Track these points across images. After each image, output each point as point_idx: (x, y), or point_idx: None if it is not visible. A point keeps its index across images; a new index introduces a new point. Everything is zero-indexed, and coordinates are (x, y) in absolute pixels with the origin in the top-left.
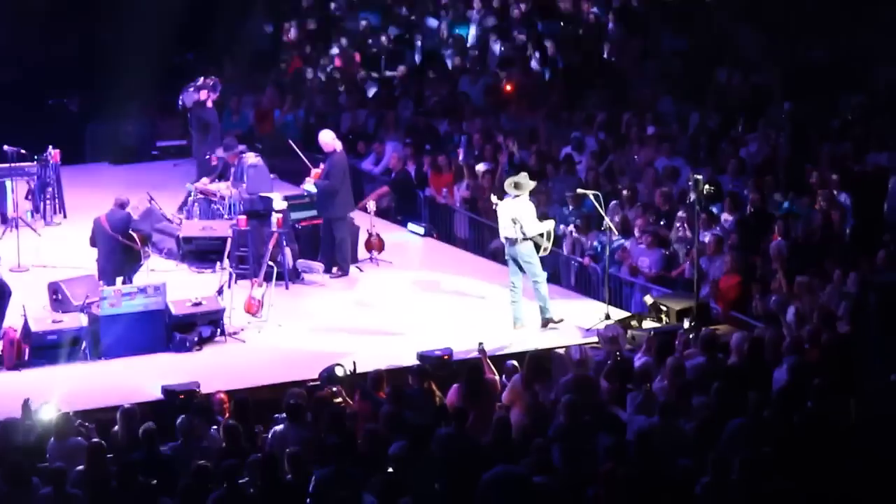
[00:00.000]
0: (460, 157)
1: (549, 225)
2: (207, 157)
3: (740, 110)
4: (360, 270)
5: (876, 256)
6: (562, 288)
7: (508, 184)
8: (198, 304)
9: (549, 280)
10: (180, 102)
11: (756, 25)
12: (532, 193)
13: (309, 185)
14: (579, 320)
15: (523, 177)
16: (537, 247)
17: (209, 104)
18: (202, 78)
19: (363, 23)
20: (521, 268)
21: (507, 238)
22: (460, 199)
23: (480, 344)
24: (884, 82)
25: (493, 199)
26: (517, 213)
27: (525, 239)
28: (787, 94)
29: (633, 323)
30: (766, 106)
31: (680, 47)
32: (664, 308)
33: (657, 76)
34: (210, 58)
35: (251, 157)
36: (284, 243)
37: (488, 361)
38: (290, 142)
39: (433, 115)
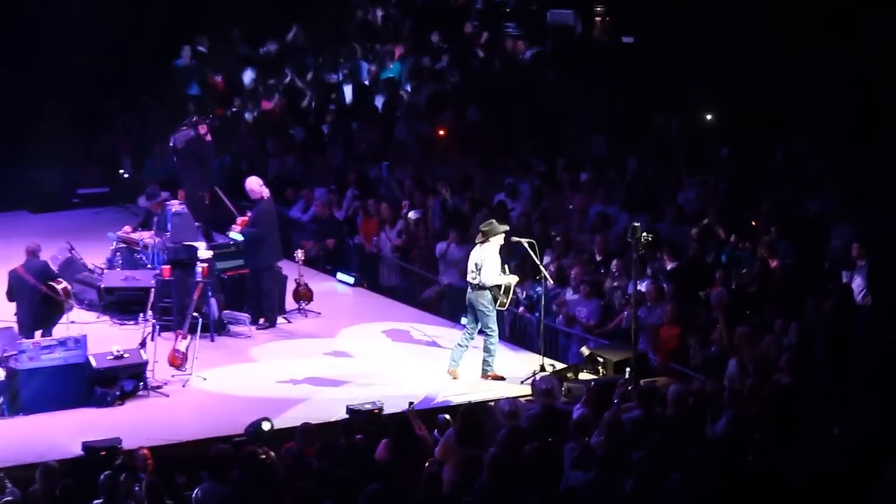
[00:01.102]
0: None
1: (510, 280)
2: (200, 195)
3: (678, 155)
4: (288, 322)
5: (820, 304)
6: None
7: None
8: (120, 357)
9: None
10: (171, 143)
11: (695, 69)
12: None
13: (235, 234)
14: (514, 372)
15: (490, 224)
16: (495, 299)
17: (208, 137)
18: (193, 118)
19: (288, 72)
20: (476, 316)
21: (469, 283)
22: (390, 246)
23: (411, 404)
24: (824, 127)
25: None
26: (480, 259)
27: (483, 288)
28: (724, 139)
29: (570, 375)
30: (704, 151)
31: (617, 89)
32: (601, 359)
33: (593, 119)
34: (132, 102)
35: (175, 205)
36: (210, 294)
37: (418, 421)
38: (217, 189)
39: (363, 160)
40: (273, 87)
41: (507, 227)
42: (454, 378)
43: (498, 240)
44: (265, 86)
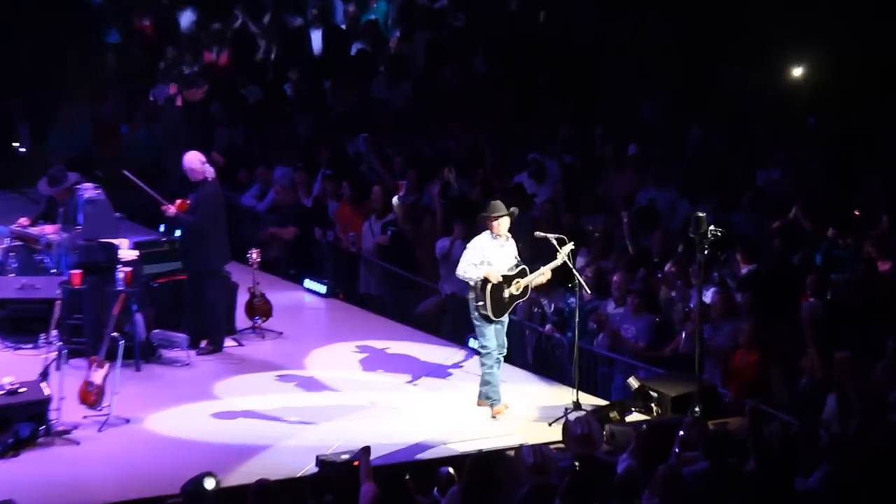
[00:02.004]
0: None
1: (480, 274)
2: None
3: (756, 122)
4: (240, 344)
5: None
6: (515, 367)
7: None
8: (13, 393)
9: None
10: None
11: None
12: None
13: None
14: (539, 410)
15: (490, 205)
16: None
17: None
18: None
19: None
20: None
21: None
22: (374, 245)
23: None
24: None
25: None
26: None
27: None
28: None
29: (613, 415)
30: (792, 117)
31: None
32: (655, 394)
33: (641, 74)
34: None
35: (89, 191)
36: (135, 308)
37: (368, 467)
38: (125, 172)
39: (338, 130)
40: (218, 33)
41: (512, 210)
42: (495, 416)
43: (499, 226)
44: (208, 32)
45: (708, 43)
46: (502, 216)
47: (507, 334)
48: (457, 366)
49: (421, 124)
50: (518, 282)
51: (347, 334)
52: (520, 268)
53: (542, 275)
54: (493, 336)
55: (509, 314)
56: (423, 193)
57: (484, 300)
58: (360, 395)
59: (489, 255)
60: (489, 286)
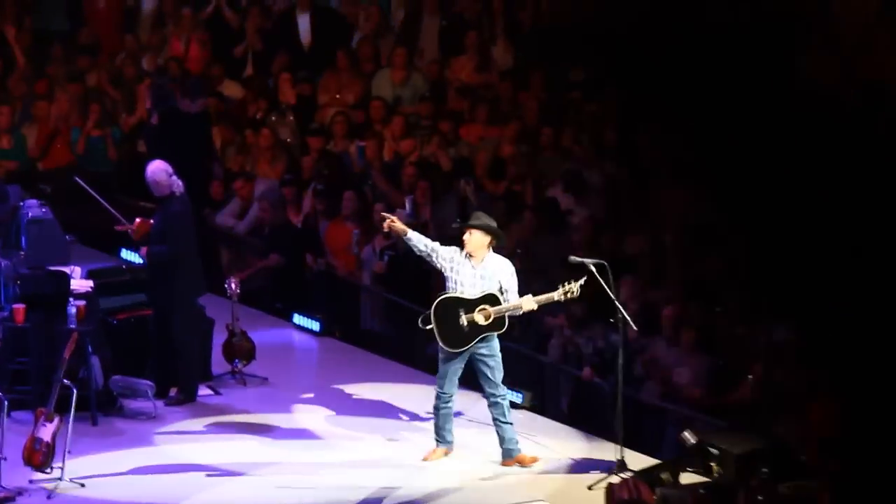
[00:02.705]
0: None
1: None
2: None
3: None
4: (216, 393)
5: None
6: (548, 419)
7: None
8: None
9: (521, 402)
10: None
11: None
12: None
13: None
14: (576, 470)
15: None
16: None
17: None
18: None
19: None
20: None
21: None
22: (371, 274)
23: None
24: None
25: None
26: None
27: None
28: None
29: (665, 476)
30: None
31: None
32: (716, 451)
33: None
34: None
35: (32, 209)
36: (90, 349)
37: None
38: (78, 180)
39: (331, 136)
40: (187, 18)
41: (483, 225)
42: (523, 465)
43: (466, 242)
44: (175, 16)
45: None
46: (468, 228)
47: (539, 379)
48: (475, 417)
49: (433, 127)
50: (485, 308)
51: (345, 380)
52: (485, 294)
53: (522, 305)
54: (448, 376)
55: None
56: (435, 210)
57: (430, 320)
58: (358, 454)
59: (458, 272)
60: (437, 303)
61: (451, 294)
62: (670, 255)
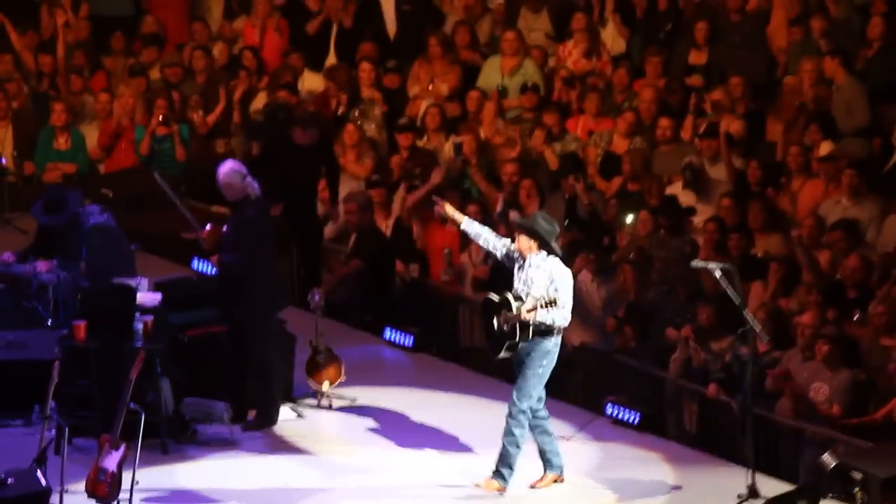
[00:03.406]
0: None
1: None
2: None
3: None
4: (299, 416)
5: None
6: (669, 441)
7: None
8: (1, 485)
9: (636, 422)
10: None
11: None
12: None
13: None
14: (701, 498)
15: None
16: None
17: None
18: None
19: None
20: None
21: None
22: (472, 281)
23: None
24: None
25: None
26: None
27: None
28: None
29: (805, 503)
30: None
31: None
32: (858, 475)
33: None
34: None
35: (94, 215)
36: (159, 370)
37: None
38: (157, 175)
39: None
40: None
41: (526, 226)
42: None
43: (521, 244)
44: (249, 2)
45: None
46: (518, 229)
47: (659, 397)
48: (589, 438)
49: (537, 120)
50: (505, 313)
51: (442, 401)
52: (511, 296)
53: (519, 314)
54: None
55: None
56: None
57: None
58: (460, 478)
59: (516, 273)
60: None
61: (493, 294)
62: (805, 257)
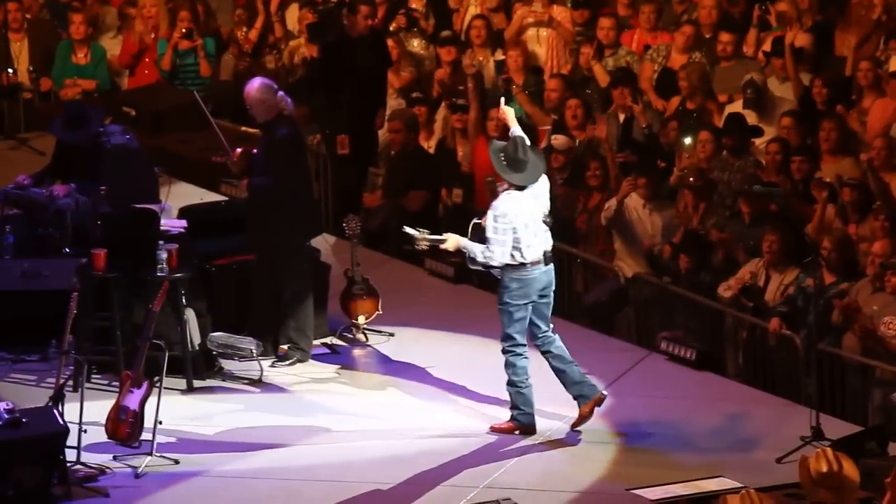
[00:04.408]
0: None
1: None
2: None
3: None
4: (334, 352)
5: None
6: (722, 377)
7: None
8: (14, 425)
9: (693, 359)
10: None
11: None
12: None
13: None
14: (760, 440)
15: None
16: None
17: None
18: None
19: None
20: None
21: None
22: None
23: None
24: None
25: None
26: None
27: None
28: None
29: (870, 446)
30: None
31: None
32: None
33: None
34: None
35: (115, 135)
36: (184, 302)
37: None
38: (196, 94)
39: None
40: None
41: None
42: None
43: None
44: None
45: None
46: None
47: (717, 330)
48: (640, 377)
49: (588, 33)
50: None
51: (487, 335)
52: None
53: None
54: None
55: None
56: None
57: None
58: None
59: None
60: None
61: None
62: (877, 180)
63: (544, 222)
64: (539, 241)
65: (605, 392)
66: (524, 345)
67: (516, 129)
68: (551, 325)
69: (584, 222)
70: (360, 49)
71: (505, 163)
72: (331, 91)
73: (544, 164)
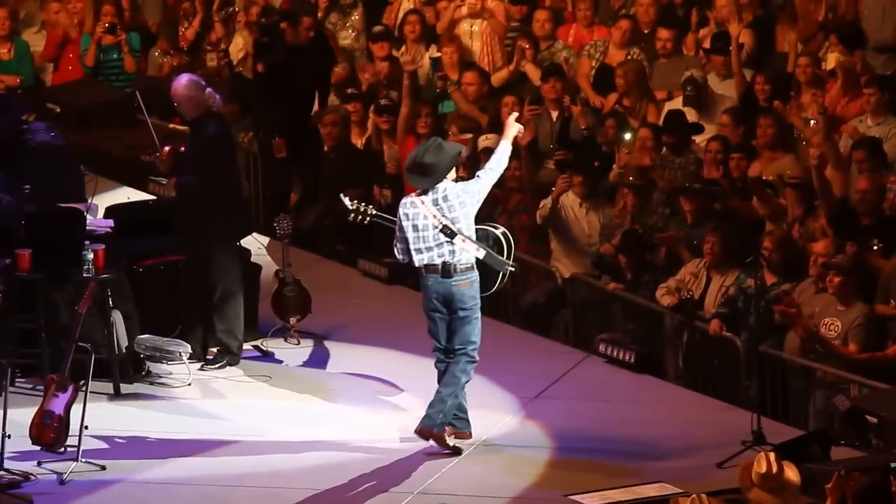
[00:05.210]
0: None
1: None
2: None
3: None
4: (264, 354)
5: None
6: (663, 381)
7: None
8: None
9: (632, 361)
10: None
11: None
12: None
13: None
14: (700, 444)
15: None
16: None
17: None
18: None
19: None
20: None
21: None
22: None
23: None
24: None
25: None
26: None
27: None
28: None
29: (815, 449)
30: None
31: None
32: (874, 420)
33: None
34: None
35: (40, 133)
36: (111, 304)
37: None
38: (137, 95)
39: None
40: None
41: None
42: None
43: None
44: None
45: None
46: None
47: (655, 333)
48: (578, 381)
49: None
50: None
51: (418, 337)
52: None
53: None
54: None
55: None
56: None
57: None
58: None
59: None
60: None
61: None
62: (820, 179)
63: (444, 233)
64: (434, 250)
65: (450, 438)
66: (437, 349)
67: (504, 142)
68: (458, 348)
69: (505, 223)
70: (305, 58)
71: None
72: (274, 100)
73: (441, 173)
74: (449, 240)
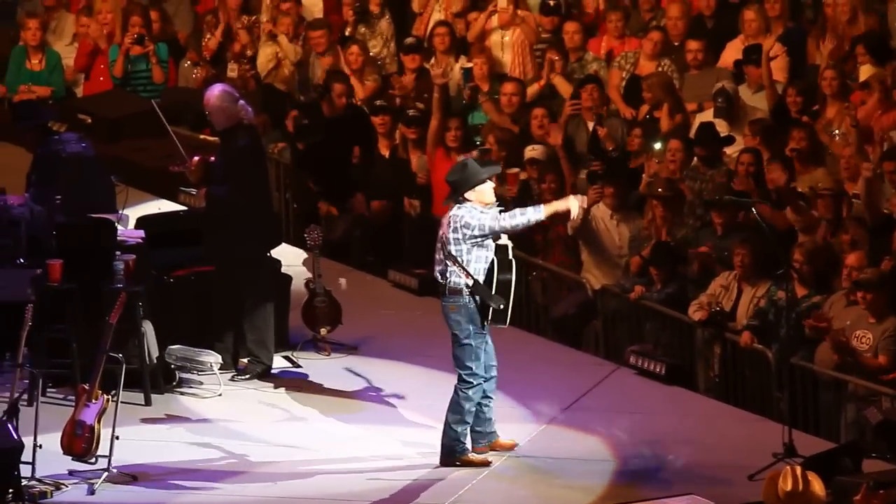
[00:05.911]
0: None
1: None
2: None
3: None
4: (295, 366)
5: None
6: (695, 393)
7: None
8: None
9: (662, 373)
10: None
11: None
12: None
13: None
14: (731, 456)
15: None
16: (484, 308)
17: None
18: None
19: None
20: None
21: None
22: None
23: None
24: None
25: None
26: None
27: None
28: None
29: (847, 462)
30: None
31: None
32: None
33: None
34: None
35: (71, 143)
36: (141, 314)
37: None
38: (154, 103)
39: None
40: None
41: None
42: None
43: (482, 192)
44: None
45: None
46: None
47: (680, 347)
48: (609, 392)
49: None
50: None
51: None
52: None
53: None
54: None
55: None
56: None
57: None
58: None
59: None
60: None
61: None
62: (867, 189)
63: (442, 251)
64: (437, 266)
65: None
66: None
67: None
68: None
69: (540, 233)
70: (341, 128)
71: (457, 180)
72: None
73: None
74: (446, 259)
